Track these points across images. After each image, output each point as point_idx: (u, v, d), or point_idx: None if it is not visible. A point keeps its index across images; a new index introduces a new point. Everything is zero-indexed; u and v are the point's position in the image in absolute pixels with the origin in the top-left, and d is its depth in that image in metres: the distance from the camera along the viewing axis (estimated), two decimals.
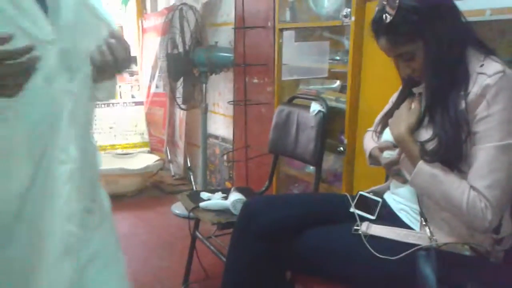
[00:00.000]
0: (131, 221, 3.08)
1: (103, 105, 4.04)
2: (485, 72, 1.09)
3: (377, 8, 1.18)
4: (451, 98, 1.12)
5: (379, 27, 1.18)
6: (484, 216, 1.07)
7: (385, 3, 1.15)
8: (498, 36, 1.49)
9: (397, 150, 1.25)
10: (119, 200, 3.53)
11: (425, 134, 1.18)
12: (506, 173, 1.07)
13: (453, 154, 1.11)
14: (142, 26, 4.36)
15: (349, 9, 1.90)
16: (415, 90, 1.29)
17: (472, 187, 1.09)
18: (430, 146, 1.15)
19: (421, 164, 1.14)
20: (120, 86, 4.14)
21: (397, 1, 1.12)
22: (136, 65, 4.21)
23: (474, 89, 1.09)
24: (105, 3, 3.95)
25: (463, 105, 1.10)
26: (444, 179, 1.11)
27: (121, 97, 4.14)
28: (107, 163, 3.76)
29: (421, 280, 1.09)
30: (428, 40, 1.13)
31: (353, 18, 1.88)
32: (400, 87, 1.37)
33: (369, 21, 1.22)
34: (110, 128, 4.07)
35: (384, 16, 1.14)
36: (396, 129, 1.23)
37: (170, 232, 2.91)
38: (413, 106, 1.24)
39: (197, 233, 2.16)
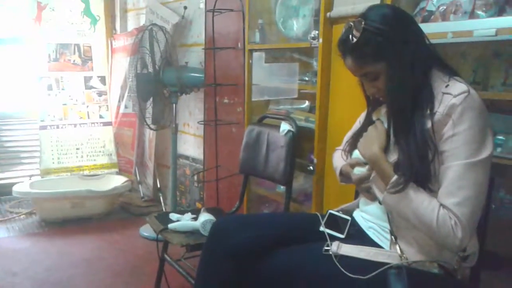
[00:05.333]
0: (98, 245, 2.98)
1: (69, 125, 3.96)
2: (451, 92, 1.12)
3: (344, 29, 1.21)
4: (416, 118, 1.14)
5: (345, 47, 1.21)
6: (455, 234, 1.07)
7: (351, 24, 1.17)
8: (459, 58, 1.55)
9: (367, 167, 1.27)
10: (85, 222, 3.43)
11: (391, 156, 1.20)
12: (475, 190, 1.09)
13: (420, 175, 1.12)
14: (112, 46, 4.32)
15: (317, 32, 1.94)
16: (374, 116, 1.33)
17: (442, 205, 1.10)
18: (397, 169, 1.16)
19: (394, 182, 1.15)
20: (88, 106, 4.07)
21: (363, 23, 1.15)
22: (105, 85, 4.16)
23: (440, 109, 1.12)
24: (73, 23, 3.95)
25: (428, 124, 1.12)
26: (414, 197, 1.12)
27: (88, 117, 4.06)
28: (74, 184, 3.67)
29: None
30: (391, 61, 1.16)
31: (320, 40, 1.91)
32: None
33: (336, 42, 1.25)
34: (77, 149, 3.97)
35: (350, 36, 1.17)
36: (368, 149, 1.24)
37: (138, 256, 2.83)
38: (378, 127, 1.26)
39: (166, 256, 2.11)
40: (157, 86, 3.03)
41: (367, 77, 1.22)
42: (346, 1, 1.80)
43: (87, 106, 4.07)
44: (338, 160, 1.49)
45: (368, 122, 1.35)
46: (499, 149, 1.41)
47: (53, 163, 3.87)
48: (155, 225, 2.00)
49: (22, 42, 4.08)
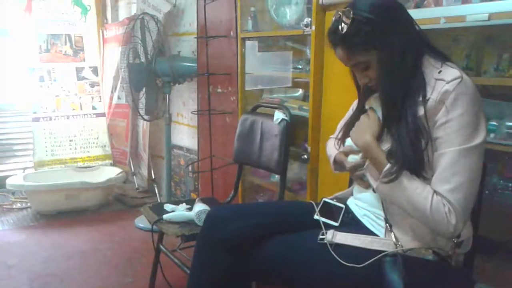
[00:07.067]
0: (93, 237, 2.98)
1: (62, 117, 3.93)
2: (444, 78, 1.11)
3: (333, 19, 1.20)
4: (408, 106, 1.14)
5: (335, 37, 1.20)
6: (449, 221, 1.07)
7: (340, 14, 1.16)
8: (452, 44, 1.54)
9: (361, 154, 1.27)
10: (80, 215, 3.42)
11: (384, 145, 1.20)
12: (468, 177, 1.08)
13: (413, 163, 1.12)
14: (103, 36, 4.27)
15: (309, 19, 1.92)
16: (366, 105, 1.32)
17: (435, 191, 1.09)
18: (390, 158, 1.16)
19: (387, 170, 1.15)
20: (80, 97, 4.03)
21: (352, 12, 1.13)
22: (97, 75, 4.12)
23: (433, 96, 1.11)
24: (64, 13, 3.90)
25: (421, 111, 1.12)
26: (407, 185, 1.12)
27: (81, 109, 4.03)
28: (68, 177, 3.66)
29: (388, 286, 1.09)
30: (381, 50, 1.15)
31: (313, 28, 1.90)
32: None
33: (326, 33, 1.23)
34: (70, 140, 3.95)
35: (339, 26, 1.16)
36: (361, 138, 1.23)
37: (134, 247, 2.83)
38: (370, 116, 1.26)
39: (161, 247, 2.11)
40: (149, 76, 3.01)
41: (359, 67, 1.21)
42: None
43: (80, 98, 4.04)
44: (332, 148, 1.48)
45: (360, 110, 1.35)
46: (492, 135, 1.41)
47: (47, 155, 3.85)
48: (150, 216, 2.00)
49: (12, 33, 4.03)
